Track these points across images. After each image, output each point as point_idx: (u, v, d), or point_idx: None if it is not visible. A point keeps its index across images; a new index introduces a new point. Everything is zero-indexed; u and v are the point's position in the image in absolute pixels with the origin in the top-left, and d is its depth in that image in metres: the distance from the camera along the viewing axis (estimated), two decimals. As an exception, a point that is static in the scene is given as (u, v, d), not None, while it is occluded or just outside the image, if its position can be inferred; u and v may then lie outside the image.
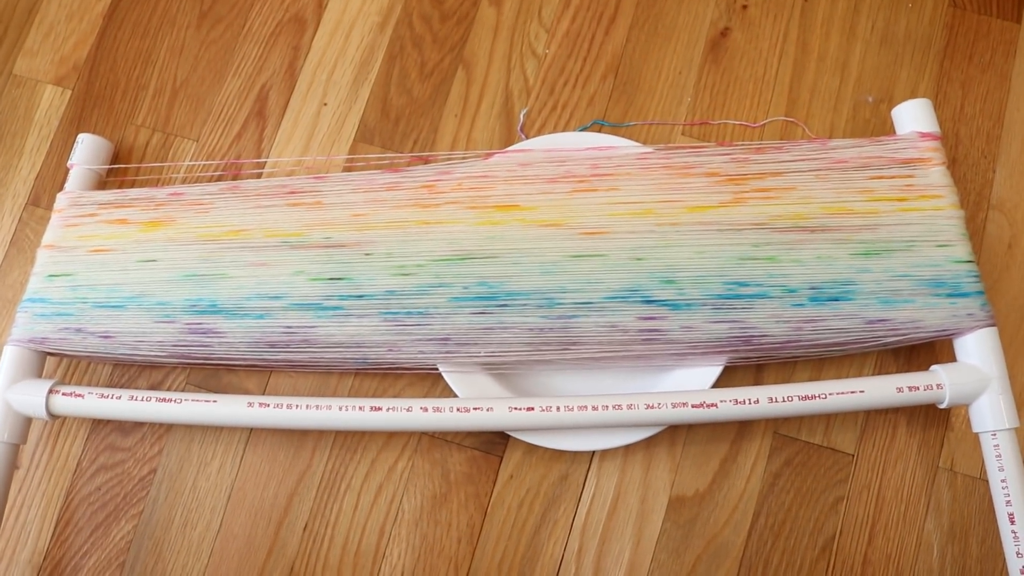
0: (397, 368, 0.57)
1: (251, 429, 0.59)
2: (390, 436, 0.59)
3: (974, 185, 0.63)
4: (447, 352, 0.55)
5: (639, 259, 0.55)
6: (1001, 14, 0.66)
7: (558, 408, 0.53)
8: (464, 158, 0.60)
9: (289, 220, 0.57)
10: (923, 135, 0.58)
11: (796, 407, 0.53)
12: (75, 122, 0.65)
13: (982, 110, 0.65)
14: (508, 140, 0.63)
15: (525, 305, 0.54)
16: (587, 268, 0.55)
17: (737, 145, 0.59)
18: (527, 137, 0.63)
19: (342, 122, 0.64)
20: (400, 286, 0.55)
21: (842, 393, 0.53)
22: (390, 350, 0.55)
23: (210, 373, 0.60)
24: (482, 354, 0.55)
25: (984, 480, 0.58)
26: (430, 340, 0.55)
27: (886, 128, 0.64)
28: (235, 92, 0.65)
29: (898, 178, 0.57)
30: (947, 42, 0.66)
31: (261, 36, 0.66)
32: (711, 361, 0.56)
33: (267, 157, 0.63)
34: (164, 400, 0.53)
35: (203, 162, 0.63)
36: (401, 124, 0.64)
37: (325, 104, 0.64)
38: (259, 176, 0.63)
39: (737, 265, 0.54)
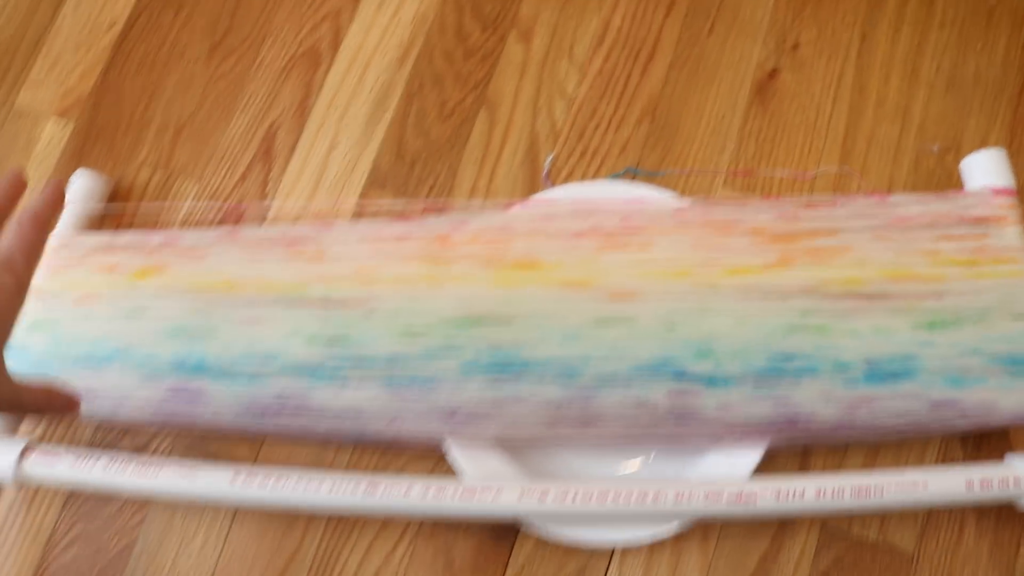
0: (396, 443, 0.52)
1: (240, 500, 0.54)
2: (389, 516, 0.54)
3: (1055, 247, 0.56)
4: (454, 427, 0.50)
5: (672, 326, 0.49)
6: (1084, 57, 0.60)
7: (576, 495, 0.47)
8: (483, 208, 0.55)
9: (287, 273, 0.52)
10: (997, 191, 0.52)
11: (848, 504, 0.46)
12: (76, 157, 0.62)
13: (1062, 160, 0.58)
14: (532, 188, 0.58)
15: (543, 376, 0.49)
16: (613, 335, 0.49)
17: (785, 199, 0.53)
18: (553, 185, 0.57)
19: (353, 165, 0.59)
20: (405, 350, 0.50)
21: (901, 487, 0.46)
22: (391, 422, 0.50)
23: (198, 438, 0.55)
24: (493, 429, 0.50)
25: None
26: (436, 413, 0.50)
27: (952, 181, 0.57)
28: (242, 130, 0.61)
29: (968, 239, 0.50)
30: (1022, 87, 0.59)
31: (273, 71, 0.61)
32: (751, 444, 0.50)
33: (271, 200, 0.59)
34: (142, 468, 0.49)
35: (202, 203, 0.59)
36: (417, 168, 0.59)
37: (336, 145, 0.60)
38: (262, 222, 0.59)
39: (783, 336, 0.48)
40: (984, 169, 0.53)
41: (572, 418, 0.49)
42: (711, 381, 0.48)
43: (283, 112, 0.61)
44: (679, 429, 0.49)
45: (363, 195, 0.59)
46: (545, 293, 0.50)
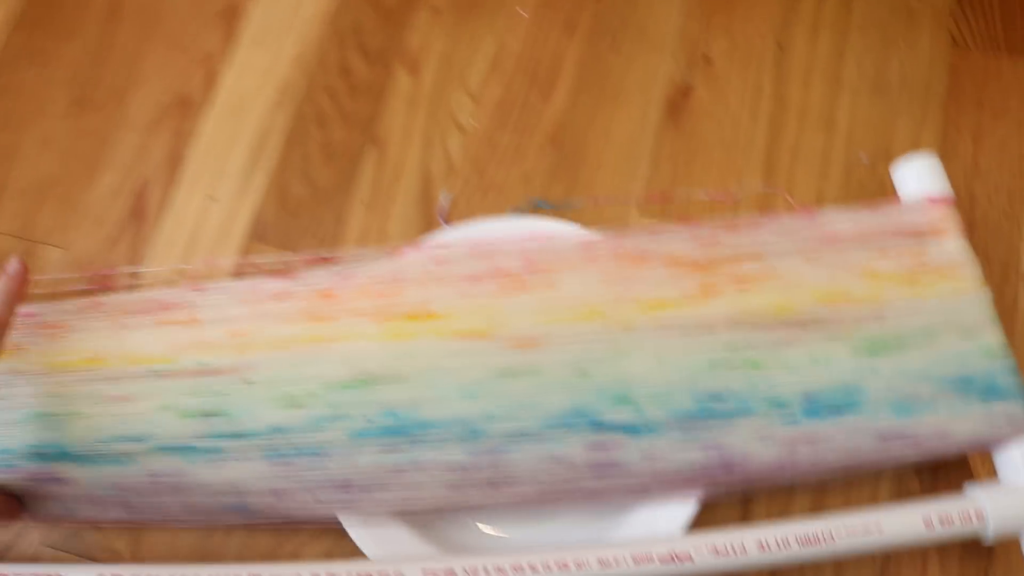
0: (288, 521, 0.45)
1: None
2: None
3: (997, 253, 0.52)
4: (348, 500, 0.44)
5: (584, 373, 0.43)
6: (1011, 49, 0.56)
7: (486, 570, 0.41)
8: (371, 255, 0.49)
9: (157, 342, 0.47)
10: (933, 200, 0.47)
11: (795, 554, 0.41)
12: (-71, 230, 0.56)
13: (999, 163, 0.54)
14: (428, 230, 0.53)
15: (443, 438, 0.43)
16: (518, 388, 0.43)
17: (703, 224, 0.48)
18: (450, 225, 0.52)
19: (233, 219, 0.54)
20: (288, 421, 0.44)
21: (853, 532, 0.41)
22: (278, 498, 0.44)
23: (70, 531, 0.49)
24: (392, 500, 0.44)
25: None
26: (327, 486, 0.44)
27: (886, 191, 0.53)
28: (110, 189, 0.55)
29: (906, 254, 0.46)
30: (950, 86, 0.56)
31: (142, 123, 0.56)
32: (683, 495, 0.44)
33: (145, 262, 0.53)
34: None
35: (68, 274, 0.53)
36: (302, 218, 0.53)
37: (213, 198, 0.54)
38: (135, 287, 0.53)
39: (709, 374, 0.43)
40: (917, 176, 0.49)
41: (479, 481, 0.43)
42: (633, 430, 0.43)
43: (154, 166, 0.55)
44: (601, 484, 0.43)
45: (244, 250, 0.53)
46: (440, 346, 0.44)
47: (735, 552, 0.41)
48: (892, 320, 0.44)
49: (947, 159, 0.54)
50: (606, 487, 0.43)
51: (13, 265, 0.46)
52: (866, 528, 0.41)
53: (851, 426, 0.42)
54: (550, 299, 0.45)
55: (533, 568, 0.41)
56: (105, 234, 0.54)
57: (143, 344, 0.47)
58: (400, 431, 0.43)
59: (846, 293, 0.45)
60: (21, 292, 0.46)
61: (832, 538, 0.41)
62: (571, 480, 0.43)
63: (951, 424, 0.43)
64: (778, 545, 0.41)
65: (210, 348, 0.46)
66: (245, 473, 0.44)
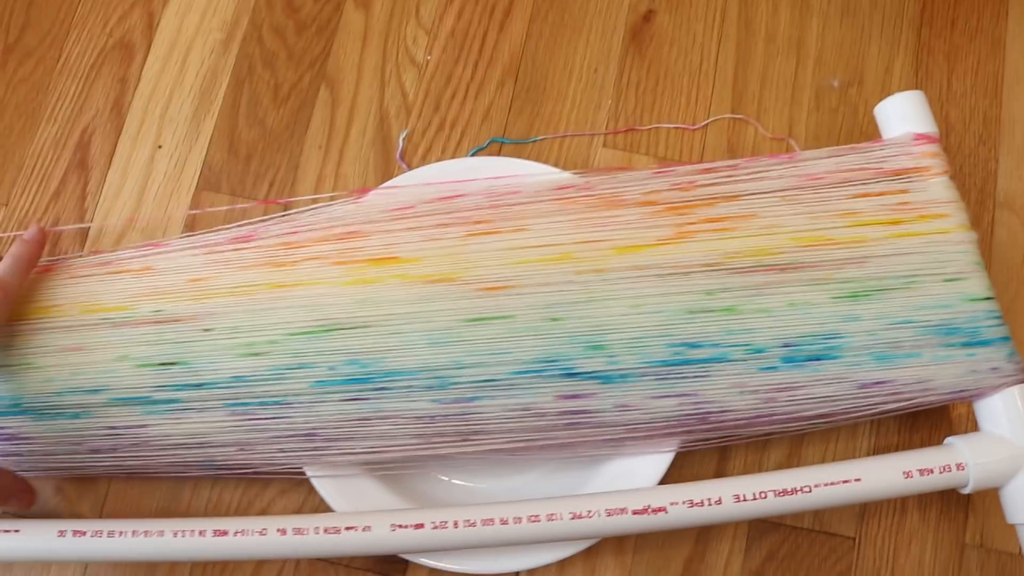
0: (253, 472, 0.44)
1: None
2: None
3: (974, 180, 0.51)
4: (313, 450, 0.43)
5: (555, 319, 0.42)
6: (985, -34, 0.54)
7: (456, 524, 0.40)
8: (331, 200, 0.47)
9: (111, 291, 0.45)
10: (918, 137, 0.45)
11: (773, 505, 0.40)
12: None
13: (974, 86, 0.53)
14: (386, 171, 0.50)
15: (410, 387, 0.42)
16: (488, 335, 0.42)
17: (675, 166, 0.46)
18: (409, 166, 0.50)
19: (181, 167, 0.51)
20: (249, 370, 0.42)
21: (832, 484, 0.40)
22: (241, 451, 0.43)
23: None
24: (358, 451, 0.43)
25: (1025, 557, 0.45)
26: (290, 437, 0.42)
27: (858, 117, 0.52)
28: (50, 140, 0.52)
29: (889, 194, 0.44)
30: (923, 6, 0.54)
31: (80, 69, 0.53)
32: (657, 447, 0.43)
33: (91, 216, 0.51)
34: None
35: (11, 232, 0.51)
36: (253, 163, 0.51)
37: (160, 146, 0.52)
38: (83, 243, 0.50)
39: (685, 320, 0.42)
40: (901, 113, 0.46)
41: (448, 431, 0.42)
42: (606, 379, 0.41)
43: (96, 115, 0.52)
44: (574, 436, 0.42)
45: (196, 199, 0.51)
46: (405, 291, 0.43)
47: (711, 504, 0.40)
48: (874, 264, 0.42)
49: (921, 82, 0.52)
50: (579, 438, 0.42)
51: (32, 231, 0.46)
52: (844, 481, 0.40)
53: (830, 374, 0.41)
54: (518, 243, 0.43)
55: (504, 521, 0.40)
56: (48, 188, 0.51)
57: (97, 293, 0.45)
58: (365, 379, 0.42)
59: (827, 236, 0.43)
60: (36, 258, 0.46)
61: (810, 489, 0.40)
62: (542, 430, 0.42)
63: (933, 372, 0.41)
64: (755, 496, 0.40)
65: (167, 296, 0.44)
66: (206, 425, 0.43)
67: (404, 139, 0.51)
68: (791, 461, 0.46)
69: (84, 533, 0.41)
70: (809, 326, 0.42)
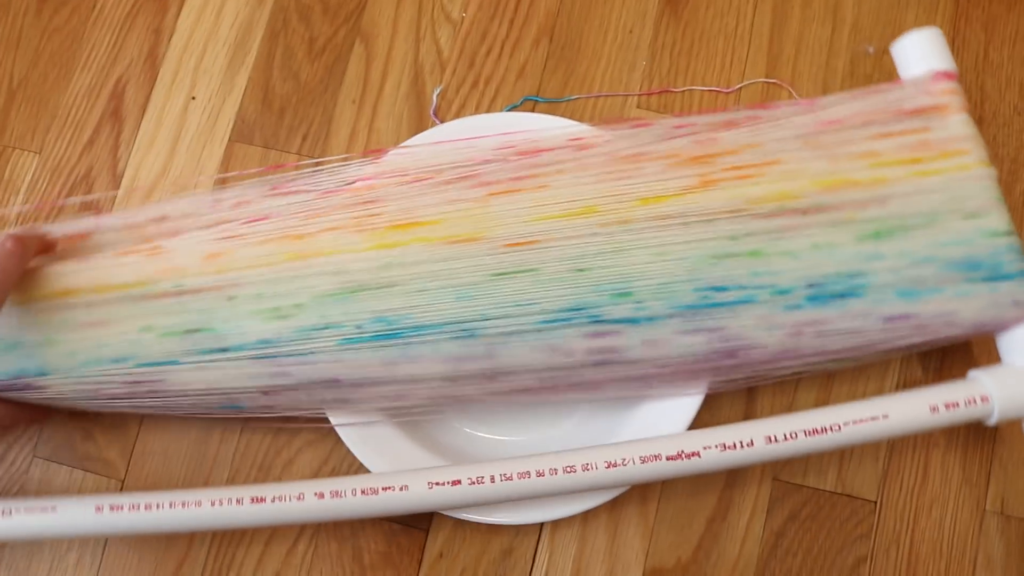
0: (280, 418, 0.45)
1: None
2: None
3: (1008, 149, 0.51)
4: (340, 393, 0.43)
5: (581, 269, 0.42)
6: (1027, -66, 0.54)
7: (492, 478, 0.40)
8: (348, 161, 0.46)
9: (127, 271, 0.44)
10: (936, 75, 0.45)
11: (803, 445, 0.40)
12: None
13: (1011, 56, 0.52)
14: (420, 127, 0.51)
15: (437, 340, 0.42)
16: (514, 287, 0.42)
17: (697, 116, 0.46)
18: (442, 122, 0.50)
19: (215, 118, 0.51)
20: (276, 333, 0.42)
21: (860, 421, 0.40)
22: (266, 394, 0.43)
23: (62, 441, 0.48)
24: (385, 394, 0.43)
25: (1046, 524, 0.45)
26: (317, 383, 0.43)
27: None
28: (85, 89, 0.52)
29: (908, 134, 0.44)
30: (962, -26, 0.53)
31: (115, 19, 0.53)
32: (685, 388, 0.43)
33: (124, 167, 0.51)
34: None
35: (45, 178, 0.51)
36: (287, 116, 0.51)
37: (194, 97, 0.52)
38: (116, 190, 0.51)
39: (711, 266, 0.42)
40: (919, 52, 0.46)
41: (475, 372, 0.42)
42: (633, 321, 0.42)
43: (130, 65, 0.52)
44: (602, 373, 0.43)
45: (228, 151, 0.51)
46: (429, 252, 0.43)
47: (743, 446, 0.40)
48: (895, 203, 0.42)
49: (957, 52, 0.52)
50: (607, 377, 0.43)
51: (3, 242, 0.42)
52: (873, 417, 0.40)
53: (856, 310, 0.41)
54: (542, 199, 0.43)
55: (540, 474, 0.40)
56: (82, 137, 0.52)
57: (113, 275, 0.44)
58: (392, 335, 0.42)
59: (848, 178, 0.43)
60: (16, 268, 0.42)
61: (839, 427, 0.40)
62: (570, 369, 0.42)
63: (956, 306, 0.42)
64: (786, 436, 0.40)
65: (185, 273, 0.44)
66: (229, 373, 0.43)
67: (438, 95, 0.51)
68: (819, 402, 0.47)
69: (121, 508, 0.41)
70: (833, 266, 0.42)
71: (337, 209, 0.44)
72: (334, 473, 0.47)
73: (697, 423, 0.44)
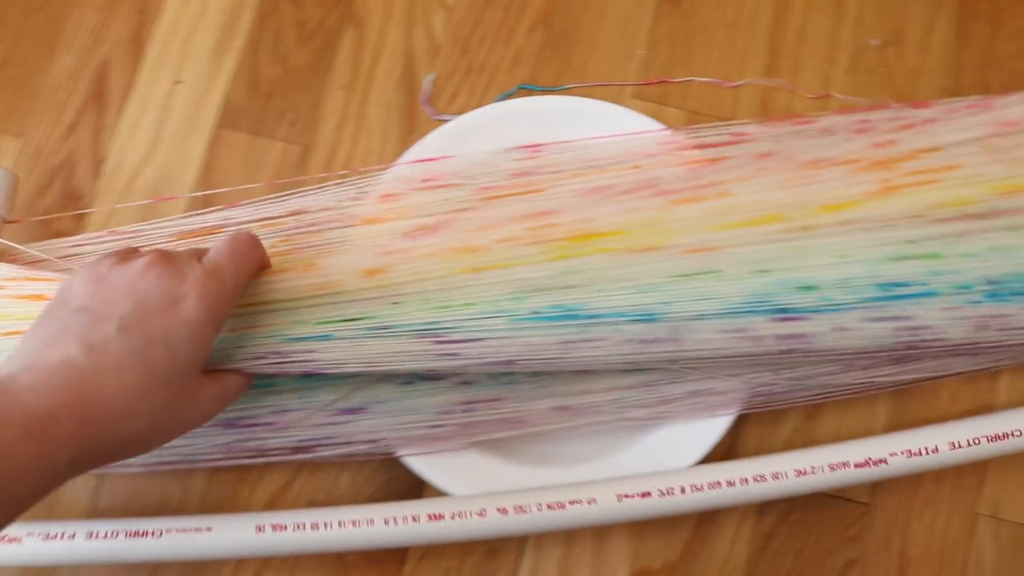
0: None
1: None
2: (264, 503, 0.46)
3: None
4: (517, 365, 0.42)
5: (763, 271, 0.41)
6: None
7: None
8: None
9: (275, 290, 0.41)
10: None
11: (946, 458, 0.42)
12: None
13: (1019, 50, 0.51)
14: (411, 115, 0.49)
15: (617, 323, 0.41)
16: (697, 284, 0.41)
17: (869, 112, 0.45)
18: (436, 111, 0.49)
19: (201, 103, 0.50)
20: (445, 318, 0.41)
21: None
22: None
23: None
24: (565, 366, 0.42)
25: (1039, 530, 0.45)
26: (488, 363, 0.41)
27: (895, 78, 0.50)
28: (67, 71, 0.51)
29: None
30: (968, -36, 0.52)
31: (99, -1, 0.52)
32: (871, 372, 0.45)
33: (108, 151, 0.50)
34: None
35: (26, 162, 0.50)
36: (275, 101, 0.50)
37: (179, 81, 0.50)
38: (97, 176, 0.50)
39: (891, 266, 0.42)
40: None
41: (661, 358, 0.42)
42: (819, 311, 0.41)
43: (115, 46, 0.51)
44: (790, 359, 0.43)
45: (215, 137, 0.50)
46: (610, 260, 0.42)
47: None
48: None
49: (961, 47, 0.51)
50: (794, 361, 0.43)
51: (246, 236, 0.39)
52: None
53: None
54: (725, 207, 0.42)
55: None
56: (64, 120, 0.50)
57: (262, 292, 0.41)
58: (569, 317, 0.41)
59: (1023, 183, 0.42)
60: (256, 266, 0.40)
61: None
62: (758, 350, 0.42)
63: None
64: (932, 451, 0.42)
65: (343, 286, 0.41)
66: (391, 354, 0.41)
67: (431, 82, 0.50)
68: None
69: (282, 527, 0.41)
70: (1011, 266, 0.42)
71: (509, 222, 0.43)
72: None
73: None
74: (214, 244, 0.38)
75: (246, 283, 0.39)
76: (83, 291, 0.35)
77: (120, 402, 0.33)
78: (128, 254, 0.37)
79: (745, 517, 0.45)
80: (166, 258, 0.36)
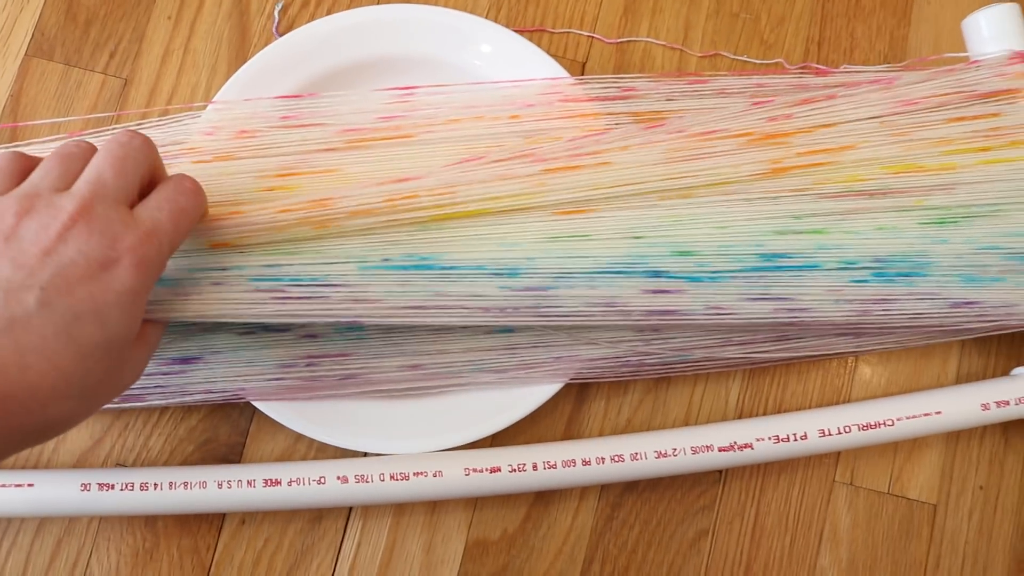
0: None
1: None
2: (75, 462, 0.42)
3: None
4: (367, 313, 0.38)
5: (639, 237, 0.39)
6: None
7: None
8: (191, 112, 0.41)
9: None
10: (1013, 56, 0.42)
11: (855, 439, 0.41)
12: None
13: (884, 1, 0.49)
14: (241, 49, 0.45)
15: (475, 277, 0.38)
16: (566, 245, 0.39)
17: (765, 77, 0.43)
18: (280, 35, 0.45)
19: (9, 30, 0.45)
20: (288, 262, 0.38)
21: (913, 416, 0.41)
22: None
23: None
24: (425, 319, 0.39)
25: (896, 496, 0.43)
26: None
27: (759, 25, 0.48)
28: None
29: (981, 119, 0.41)
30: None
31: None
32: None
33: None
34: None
35: None
36: (93, 30, 0.45)
37: (-14, 5, 0.46)
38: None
39: (774, 239, 0.39)
40: (993, 31, 0.43)
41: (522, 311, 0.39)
42: (695, 279, 0.39)
43: (-85, -34, 0.46)
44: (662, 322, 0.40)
45: (25, 67, 0.45)
46: (474, 220, 0.39)
47: (797, 439, 0.41)
48: (962, 191, 0.40)
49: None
50: (665, 324, 0.40)
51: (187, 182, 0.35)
52: (926, 412, 0.41)
53: (921, 290, 0.40)
54: (602, 174, 0.39)
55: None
56: None
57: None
58: (421, 267, 0.38)
59: (917, 164, 0.41)
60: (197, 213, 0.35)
61: (893, 423, 0.41)
62: (626, 320, 0.39)
63: (1018, 297, 0.41)
64: (839, 431, 0.41)
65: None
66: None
67: (280, 12, 0.45)
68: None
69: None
70: (897, 247, 0.40)
71: (367, 187, 0.39)
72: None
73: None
74: (156, 191, 0.33)
75: (180, 243, 0.33)
76: None
77: (46, 385, 0.28)
78: (24, 179, 0.31)
79: (590, 485, 0.43)
80: (91, 212, 0.30)
